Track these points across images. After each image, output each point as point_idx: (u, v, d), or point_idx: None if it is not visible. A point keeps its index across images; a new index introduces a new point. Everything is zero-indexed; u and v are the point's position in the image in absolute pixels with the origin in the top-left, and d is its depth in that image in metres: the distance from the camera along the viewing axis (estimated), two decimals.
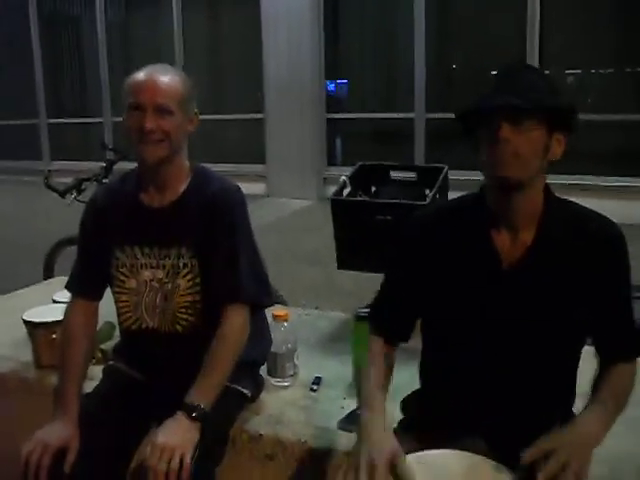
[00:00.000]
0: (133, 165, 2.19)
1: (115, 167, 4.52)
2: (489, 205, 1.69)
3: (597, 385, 1.71)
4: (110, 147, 5.02)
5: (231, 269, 2.05)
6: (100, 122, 11.94)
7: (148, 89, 1.97)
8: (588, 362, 1.80)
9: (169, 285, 2.09)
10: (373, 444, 1.56)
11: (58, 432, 1.94)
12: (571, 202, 1.74)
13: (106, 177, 4.44)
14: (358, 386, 1.81)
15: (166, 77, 2.01)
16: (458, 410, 1.71)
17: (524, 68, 1.69)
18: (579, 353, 1.77)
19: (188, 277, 2.08)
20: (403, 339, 1.87)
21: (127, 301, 2.15)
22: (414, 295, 1.78)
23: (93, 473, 1.92)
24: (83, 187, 4.48)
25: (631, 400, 1.72)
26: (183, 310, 2.09)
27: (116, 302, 2.19)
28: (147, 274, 2.11)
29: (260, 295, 2.13)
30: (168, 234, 2.08)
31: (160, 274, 2.09)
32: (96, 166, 4.74)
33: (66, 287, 2.26)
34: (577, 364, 1.79)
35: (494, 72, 1.69)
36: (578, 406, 1.78)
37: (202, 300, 2.08)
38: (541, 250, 1.65)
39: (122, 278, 2.14)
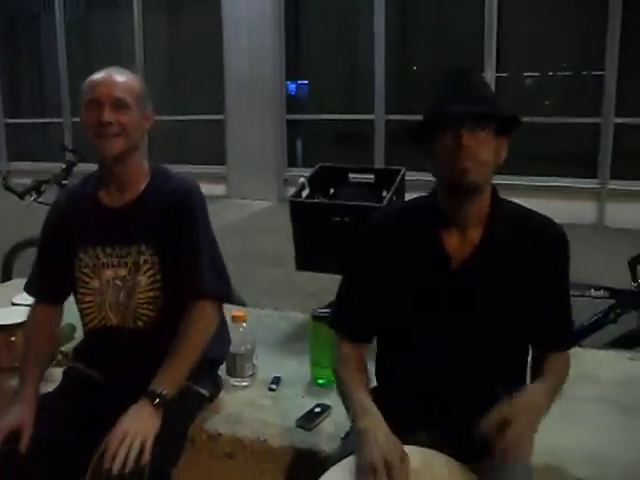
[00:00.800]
0: (93, 167, 2.22)
1: (75, 169, 4.50)
2: (440, 206, 1.75)
3: (536, 372, 1.78)
4: (70, 148, 4.99)
5: (193, 266, 2.10)
6: (59, 122, 11.81)
7: (105, 84, 2.04)
8: None
9: (131, 282, 2.12)
10: (382, 447, 1.56)
11: (13, 415, 1.98)
12: (515, 203, 1.81)
13: (65, 179, 4.41)
14: (342, 392, 1.81)
15: (122, 75, 2.09)
16: (413, 407, 1.74)
17: (470, 74, 1.73)
18: (527, 349, 1.84)
19: (149, 273, 2.11)
20: (369, 340, 1.92)
21: (91, 301, 2.17)
22: (373, 296, 1.82)
23: (50, 468, 1.93)
24: (42, 189, 4.45)
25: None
26: (144, 306, 2.12)
27: (79, 303, 2.21)
28: (109, 273, 2.14)
29: (222, 290, 2.17)
30: (128, 232, 2.12)
31: (122, 272, 2.13)
32: (55, 167, 4.71)
33: (26, 291, 2.29)
34: (526, 360, 1.85)
35: (440, 78, 1.74)
36: None
37: (162, 296, 2.12)
38: (488, 249, 1.72)
39: (86, 279, 2.16)
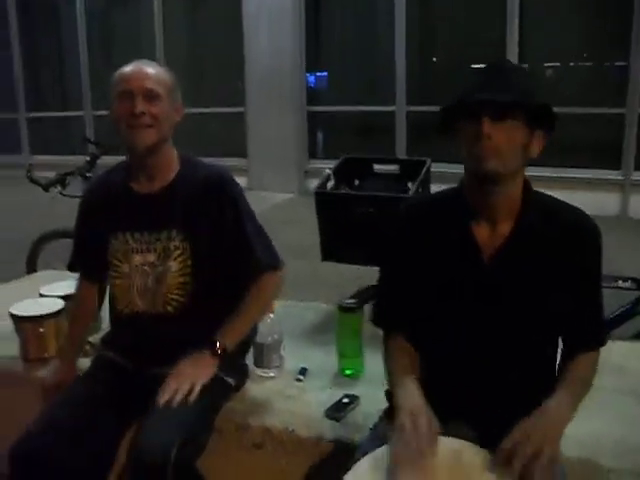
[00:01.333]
0: (115, 160, 2.28)
1: (98, 161, 4.52)
2: (468, 198, 1.74)
3: (562, 371, 1.77)
4: (93, 141, 5.01)
5: (242, 243, 2.17)
6: (81, 116, 11.87)
7: (137, 76, 2.08)
8: None
9: (160, 268, 2.15)
10: (412, 409, 1.60)
11: (57, 371, 2.30)
12: (548, 195, 1.79)
13: (89, 171, 4.43)
14: (391, 383, 1.82)
15: (153, 67, 2.13)
16: (442, 397, 1.73)
17: (509, 66, 1.73)
18: (557, 341, 1.83)
19: (180, 259, 2.14)
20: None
21: (120, 285, 2.22)
22: (409, 287, 1.82)
23: (76, 452, 1.97)
24: (67, 181, 4.47)
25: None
26: (175, 291, 2.16)
27: (111, 287, 2.28)
28: (138, 258, 2.18)
29: (276, 260, 2.24)
30: (158, 219, 2.16)
31: (151, 258, 2.16)
32: (77, 160, 4.73)
33: (70, 269, 2.50)
34: (556, 351, 1.84)
35: (476, 66, 1.74)
36: None
37: (192, 281, 2.15)
38: (519, 241, 1.71)
39: (117, 263, 2.21)
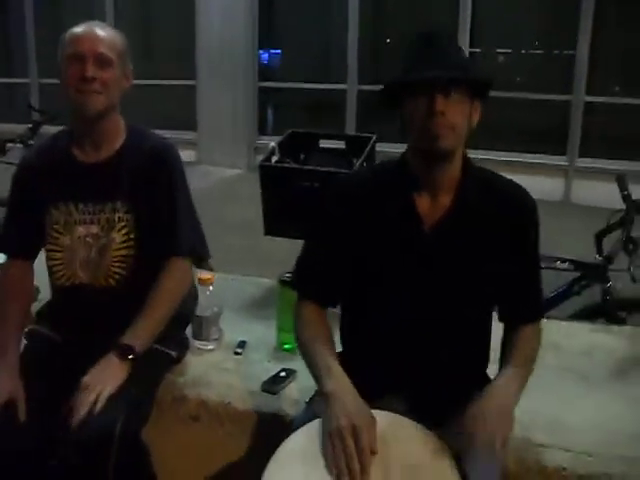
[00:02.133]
0: (60, 128, 2.20)
1: (41, 130, 4.44)
2: (412, 171, 1.74)
3: (507, 348, 1.78)
4: (37, 108, 4.92)
5: (171, 223, 2.11)
6: (26, 83, 11.58)
7: (89, 39, 2.01)
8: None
9: (104, 240, 2.10)
10: (350, 411, 1.56)
11: (3, 384, 1.95)
12: (487, 169, 1.82)
13: (31, 138, 4.37)
14: (306, 355, 1.79)
15: (106, 30, 2.06)
16: (379, 370, 1.75)
17: (444, 38, 1.71)
18: (491, 315, 1.86)
19: (123, 231, 2.10)
20: (333, 304, 1.91)
21: (60, 258, 2.15)
22: (338, 259, 1.80)
23: (23, 430, 1.91)
24: (7, 148, 4.39)
25: None
26: (117, 264, 2.11)
27: (49, 259, 2.18)
28: (81, 230, 2.11)
29: (200, 247, 2.19)
30: (103, 189, 2.10)
31: (94, 229, 2.11)
32: (21, 129, 4.64)
33: None
34: (490, 327, 1.87)
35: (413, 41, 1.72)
36: (491, 369, 1.87)
37: (135, 254, 2.11)
38: (459, 213, 1.72)
39: (56, 235, 2.14)
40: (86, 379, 1.87)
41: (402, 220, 1.74)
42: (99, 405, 1.83)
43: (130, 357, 1.93)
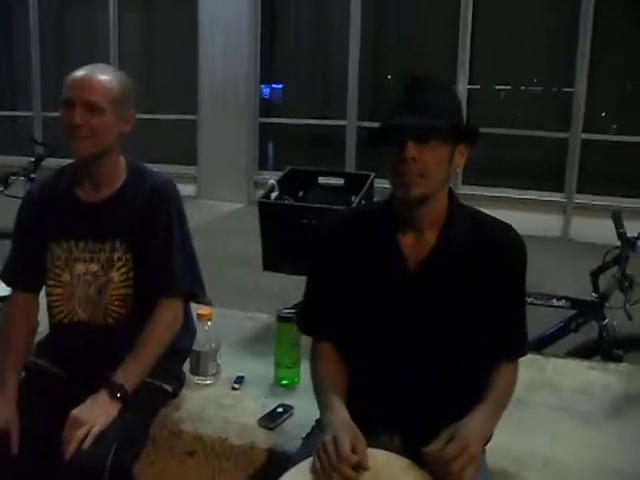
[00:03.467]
0: (62, 161, 2.22)
1: (44, 163, 4.48)
2: (396, 209, 1.76)
3: (485, 384, 1.77)
4: (39, 142, 4.96)
5: (167, 262, 2.12)
6: (30, 116, 11.66)
7: (80, 86, 2.02)
8: None
9: (103, 278, 2.12)
10: (335, 430, 1.60)
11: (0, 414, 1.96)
12: (473, 207, 1.83)
13: (34, 172, 4.41)
14: (315, 390, 1.84)
15: (103, 76, 2.05)
16: (374, 410, 1.76)
17: (429, 84, 1.72)
18: (481, 350, 1.83)
19: (122, 270, 2.11)
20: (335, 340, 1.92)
21: (60, 294, 2.17)
22: (334, 297, 1.83)
23: (19, 462, 1.92)
24: (10, 181, 4.43)
25: None
26: (116, 303, 2.13)
27: (49, 295, 2.20)
28: (81, 267, 2.13)
29: (194, 288, 2.20)
30: (103, 228, 2.12)
31: (94, 267, 2.13)
32: (24, 161, 4.68)
33: (2, 279, 2.27)
34: (481, 361, 1.84)
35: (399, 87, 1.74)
36: None
37: (134, 293, 2.12)
38: (444, 250, 1.73)
39: (57, 271, 2.16)
40: (75, 413, 1.87)
41: (387, 259, 1.76)
42: (89, 440, 1.83)
43: (119, 395, 1.94)
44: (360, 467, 1.54)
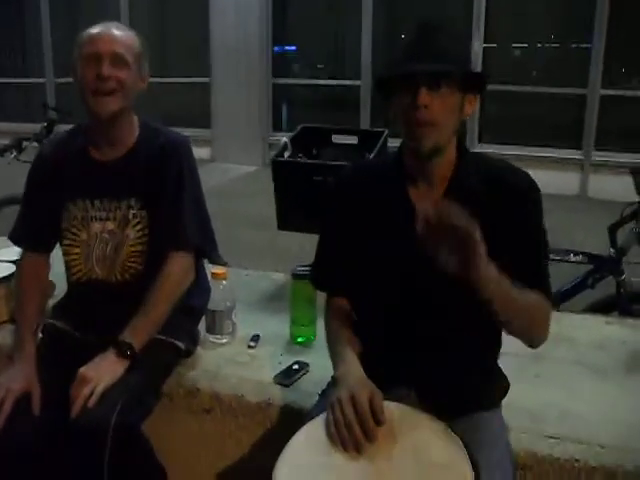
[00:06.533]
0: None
1: (56, 128, 4.48)
2: (406, 163, 1.74)
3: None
4: (52, 107, 4.96)
5: (176, 215, 2.12)
6: (42, 83, 11.65)
7: (106, 39, 2.02)
8: None
9: (119, 236, 2.13)
10: (352, 386, 1.59)
11: (20, 377, 1.98)
12: (485, 155, 1.80)
13: (47, 137, 4.40)
14: (329, 345, 1.84)
15: (121, 31, 2.07)
16: (388, 363, 1.75)
17: (439, 30, 1.67)
18: None
19: (137, 227, 2.12)
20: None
21: (78, 253, 2.18)
22: (346, 251, 1.82)
23: (33, 424, 1.93)
24: (23, 146, 4.44)
25: None
26: (132, 260, 2.14)
27: (66, 255, 2.21)
28: (97, 226, 2.15)
29: (204, 243, 2.20)
30: (118, 187, 2.13)
31: (110, 225, 2.14)
32: (37, 128, 4.69)
33: (13, 240, 2.28)
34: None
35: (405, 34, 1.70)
36: (502, 361, 1.87)
37: (148, 250, 2.13)
38: (452, 198, 1.62)
39: (74, 230, 2.17)
40: (82, 371, 1.89)
41: (396, 211, 1.74)
42: (94, 398, 1.85)
43: (128, 353, 1.95)
44: (377, 422, 1.54)
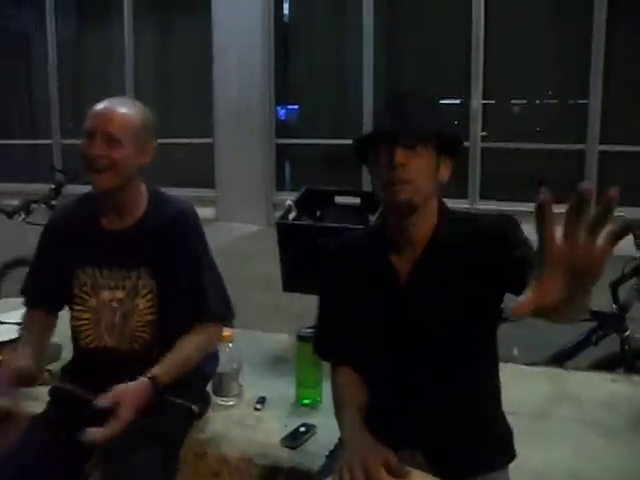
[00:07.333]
0: (82, 188, 2.26)
1: (64, 190, 4.53)
2: (387, 229, 1.78)
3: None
4: (59, 169, 5.02)
5: (199, 290, 2.17)
6: (49, 144, 11.79)
7: (101, 117, 2.06)
8: (510, 377, 1.90)
9: (128, 305, 2.15)
10: (363, 452, 1.58)
11: (22, 358, 2.06)
12: (470, 213, 1.84)
13: (55, 199, 4.45)
14: (337, 416, 1.84)
15: (123, 108, 2.09)
16: (394, 426, 1.75)
17: (412, 97, 1.75)
18: (490, 349, 1.82)
19: (147, 297, 2.15)
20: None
21: (88, 319, 2.20)
22: (341, 320, 1.87)
23: None
24: (31, 208, 4.48)
25: None
26: (141, 329, 2.16)
27: (75, 320, 2.22)
28: (106, 294, 2.17)
29: (225, 312, 2.25)
30: (128, 256, 2.16)
31: (120, 294, 2.16)
32: (43, 188, 4.74)
33: (21, 292, 2.30)
34: (495, 369, 1.84)
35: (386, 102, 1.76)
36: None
37: (158, 319, 2.16)
38: (429, 259, 1.72)
39: (84, 297, 2.19)
40: (114, 394, 1.89)
41: (380, 277, 1.78)
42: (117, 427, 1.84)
43: (156, 384, 1.98)
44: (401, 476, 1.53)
